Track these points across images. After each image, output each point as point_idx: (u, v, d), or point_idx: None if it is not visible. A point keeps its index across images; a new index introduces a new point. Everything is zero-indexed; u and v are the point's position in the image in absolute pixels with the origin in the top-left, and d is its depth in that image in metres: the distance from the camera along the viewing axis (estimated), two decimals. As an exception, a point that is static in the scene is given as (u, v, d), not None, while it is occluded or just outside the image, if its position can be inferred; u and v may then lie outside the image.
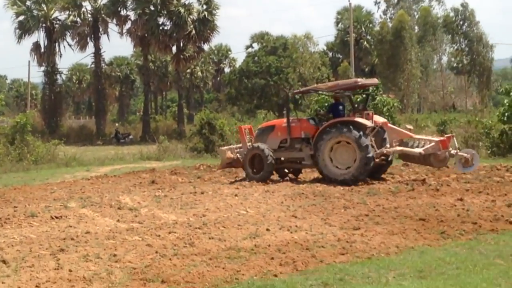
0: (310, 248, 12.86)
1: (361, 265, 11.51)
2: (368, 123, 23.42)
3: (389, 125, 25.04)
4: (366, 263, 11.68)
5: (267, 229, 14.68)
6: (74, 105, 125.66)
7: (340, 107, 24.69)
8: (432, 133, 28.57)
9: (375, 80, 27.94)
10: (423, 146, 23.38)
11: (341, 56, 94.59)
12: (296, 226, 15.10)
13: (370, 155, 22.70)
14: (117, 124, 73.62)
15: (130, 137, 63.84)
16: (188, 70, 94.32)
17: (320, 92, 28.24)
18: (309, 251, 12.61)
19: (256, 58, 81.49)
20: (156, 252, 12.61)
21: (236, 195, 20.21)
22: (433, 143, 23.33)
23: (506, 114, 32.41)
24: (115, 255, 12.31)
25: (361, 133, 22.77)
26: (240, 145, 26.07)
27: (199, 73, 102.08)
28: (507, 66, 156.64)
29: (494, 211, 16.42)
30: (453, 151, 23.19)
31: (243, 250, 12.68)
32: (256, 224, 15.38)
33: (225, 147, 27.21)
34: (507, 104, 32.76)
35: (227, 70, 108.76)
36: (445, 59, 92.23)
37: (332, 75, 78.16)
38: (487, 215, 15.93)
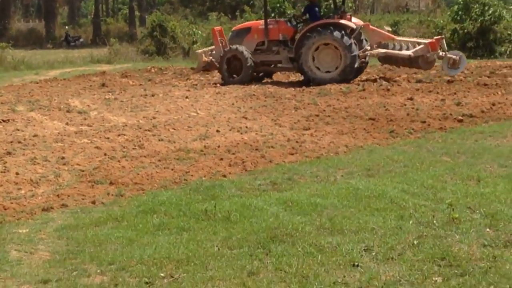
0: (259, 148, 12.87)
1: (310, 165, 11.55)
2: (351, 24, 23.25)
3: (371, 27, 24.84)
4: (315, 163, 11.73)
5: (217, 131, 14.65)
6: (23, 7, 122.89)
7: (316, 9, 24.40)
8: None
9: None
10: (408, 49, 23.32)
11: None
12: (246, 127, 15.08)
13: (354, 53, 22.58)
14: (67, 27, 72.09)
15: (81, 40, 62.69)
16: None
17: None
18: (259, 151, 12.62)
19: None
20: (105, 154, 12.52)
21: (186, 97, 20.09)
22: (422, 45, 23.20)
23: (460, 13, 32.41)
24: (63, 158, 12.20)
25: (343, 33, 22.57)
26: (213, 47, 25.33)
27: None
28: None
29: (443, 110, 16.55)
30: (441, 53, 23.13)
31: (192, 152, 12.65)
32: (206, 125, 15.33)
33: (200, 50, 26.39)
34: (461, 2, 32.73)
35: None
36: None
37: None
38: (436, 114, 16.06)
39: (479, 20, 31.63)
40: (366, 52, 23.27)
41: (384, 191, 9.47)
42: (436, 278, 6.51)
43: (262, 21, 24.58)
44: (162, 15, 43.11)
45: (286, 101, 18.71)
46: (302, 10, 26.00)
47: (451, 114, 15.90)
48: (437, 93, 19.44)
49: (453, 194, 9.23)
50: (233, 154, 12.45)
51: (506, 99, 17.86)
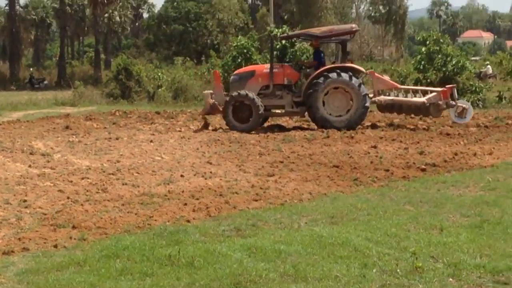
0: (224, 194, 12.85)
1: (274, 211, 11.54)
2: (360, 68, 23.85)
3: (376, 74, 25.14)
4: (279, 209, 11.72)
5: (182, 175, 14.61)
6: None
7: (322, 54, 24.70)
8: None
9: (357, 27, 27.43)
10: (419, 97, 23.88)
11: (260, 3, 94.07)
12: (210, 172, 15.07)
13: (365, 93, 23.02)
14: (31, 69, 71.93)
15: (45, 82, 62.50)
16: (106, 15, 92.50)
17: (309, 37, 25.72)
18: (223, 197, 12.59)
19: (175, 3, 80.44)
20: (68, 197, 12.42)
21: (151, 141, 20.07)
22: (435, 93, 23.71)
23: (422, 62, 32.83)
24: (25, 201, 12.07)
25: (351, 75, 22.92)
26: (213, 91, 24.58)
27: (117, 18, 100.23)
28: (424, 16, 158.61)
29: (406, 159, 16.68)
30: (452, 102, 23.54)
31: (156, 196, 12.60)
32: (170, 170, 15.29)
33: (207, 91, 25.17)
34: (424, 52, 33.17)
35: (145, 15, 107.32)
36: (363, 8, 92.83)
37: (251, 22, 77.78)
38: (399, 163, 16.18)
39: (442, 70, 32.08)
40: (374, 98, 23.55)
41: (347, 238, 9.48)
42: (400, 328, 6.51)
43: (266, 65, 24.66)
44: (128, 58, 43.18)
45: (250, 147, 18.76)
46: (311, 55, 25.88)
47: (414, 163, 16.03)
48: (401, 141, 19.62)
49: (416, 243, 9.27)
50: (197, 199, 12.40)
51: (468, 149, 18.07)
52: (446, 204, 11.86)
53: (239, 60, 34.23)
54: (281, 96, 23.62)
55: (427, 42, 34.03)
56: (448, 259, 8.53)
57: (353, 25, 26.00)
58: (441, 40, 33.73)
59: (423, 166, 15.58)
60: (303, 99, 23.19)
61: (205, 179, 14.36)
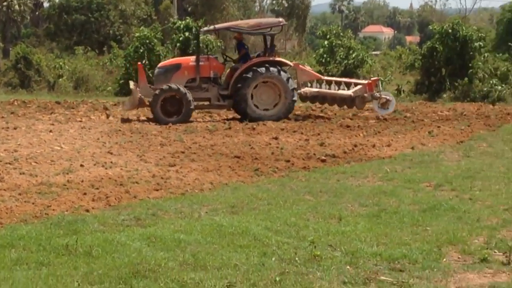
0: (124, 184, 12.73)
1: (175, 201, 11.51)
2: (287, 62, 23.97)
3: (300, 66, 25.16)
4: (179, 199, 11.69)
5: (81, 165, 14.40)
6: None
7: (246, 47, 24.64)
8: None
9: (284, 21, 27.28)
10: (343, 89, 24.22)
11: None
12: (111, 162, 14.90)
13: (295, 98, 23.28)
14: None
15: None
16: (5, 3, 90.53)
17: (237, 30, 25.21)
18: (123, 186, 12.48)
19: (77, -7, 79.21)
20: (-38, 187, 12.11)
21: (50, 131, 19.72)
22: (360, 86, 24.07)
23: (324, 56, 33.20)
24: None
25: (280, 69, 23.08)
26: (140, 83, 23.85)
27: (16, 7, 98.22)
28: (327, 11, 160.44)
29: (307, 150, 16.85)
30: (377, 94, 23.91)
31: (55, 186, 12.38)
32: (70, 160, 15.06)
33: (134, 85, 24.08)
34: (326, 46, 33.55)
35: (46, 4, 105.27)
36: (266, 1, 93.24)
37: (155, 14, 77.18)
38: (300, 154, 16.33)
39: (343, 63, 32.52)
40: (300, 90, 23.64)
41: (247, 228, 9.52)
42: (297, 314, 6.58)
43: (192, 58, 24.29)
44: (27, 47, 42.20)
45: (152, 138, 18.64)
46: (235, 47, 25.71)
47: (314, 154, 16.21)
48: (302, 133, 19.81)
49: (315, 232, 9.37)
50: (97, 189, 12.25)
51: (368, 140, 18.37)
52: (345, 194, 12.04)
53: (141, 51, 33.90)
54: (207, 89, 23.45)
55: (328, 36, 34.41)
56: (346, 247, 8.66)
57: (281, 19, 26.17)
58: (341, 34, 34.17)
59: (323, 157, 15.78)
60: (231, 92, 23.17)
61: (106, 169, 14.19)
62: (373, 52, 51.69)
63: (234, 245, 8.75)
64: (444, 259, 8.37)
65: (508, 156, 16.03)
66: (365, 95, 23.83)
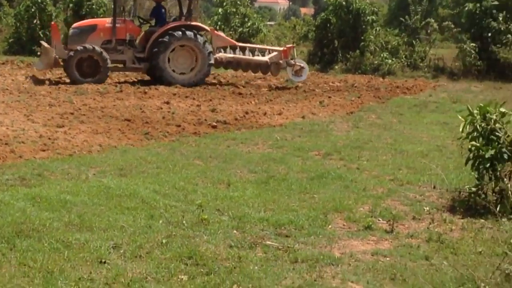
0: (9, 143, 12.42)
1: (62, 162, 11.32)
2: (204, 26, 23.81)
3: (216, 32, 24.83)
4: (67, 160, 11.51)
5: (-35, 123, 14.00)
6: None
7: (163, 10, 24.11)
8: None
9: None
10: (257, 55, 24.12)
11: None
12: (-4, 121, 14.52)
13: (212, 62, 23.05)
14: None
15: None
16: None
17: None
18: (9, 146, 12.19)
19: None
20: None
21: None
22: (276, 52, 24.05)
23: (219, 23, 33.07)
24: None
25: (196, 33, 22.83)
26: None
27: None
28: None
29: (198, 115, 16.82)
30: (291, 61, 23.91)
31: None
32: (-48, 117, 14.61)
33: (46, 45, 23.14)
34: (220, 13, 33.42)
35: None
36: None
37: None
38: (191, 119, 16.29)
39: (238, 31, 32.47)
40: (216, 55, 23.41)
41: (135, 191, 9.46)
42: (182, 276, 6.59)
43: (108, 19, 23.71)
44: None
45: (40, 98, 18.20)
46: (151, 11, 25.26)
47: (205, 120, 16.19)
48: (193, 98, 19.72)
49: (204, 196, 9.38)
50: (-19, 147, 11.94)
51: (259, 108, 18.44)
52: (234, 160, 12.08)
53: (32, 10, 32.96)
54: (123, 51, 23.00)
55: (224, 4, 34.29)
56: (234, 212, 8.72)
57: None
58: (238, 2, 34.10)
59: (214, 123, 15.79)
60: (147, 55, 22.88)
61: (-10, 127, 13.83)
62: (268, 23, 51.79)
63: (121, 207, 8.69)
64: (330, 226, 8.52)
65: (395, 128, 16.37)
66: (280, 61, 23.93)
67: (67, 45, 22.71)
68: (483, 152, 9.17)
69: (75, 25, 23.99)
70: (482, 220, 8.83)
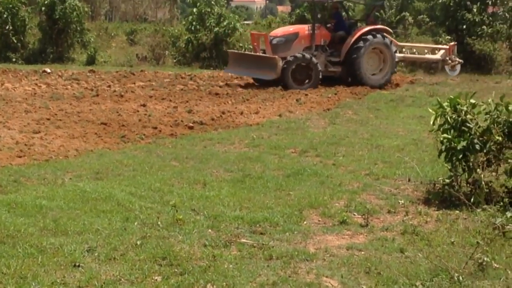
0: (-15, 150, 12.40)
1: (38, 167, 11.30)
2: (389, 30, 25.72)
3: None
4: (43, 166, 11.49)
5: None
6: None
7: (342, 14, 25.66)
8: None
9: None
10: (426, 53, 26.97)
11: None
12: (-28, 128, 14.47)
13: (397, 60, 24.94)
14: None
15: None
16: None
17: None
18: (-16, 153, 12.16)
19: None
20: None
21: None
22: (443, 51, 26.33)
23: (194, 23, 33.02)
24: None
25: (391, 40, 24.69)
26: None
27: None
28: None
29: (175, 117, 16.83)
30: (453, 57, 26.31)
31: None
32: None
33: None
34: (195, 13, 33.38)
35: None
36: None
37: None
38: (167, 121, 16.30)
39: (214, 31, 32.45)
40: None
41: (111, 193, 9.47)
42: (156, 277, 6.61)
43: (305, 26, 24.79)
44: None
45: (16, 104, 18.12)
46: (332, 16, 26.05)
47: (182, 121, 16.20)
48: (170, 100, 19.72)
49: (179, 197, 9.40)
50: (-44, 155, 11.90)
51: (236, 108, 18.48)
52: (211, 160, 12.11)
53: (5, 16, 32.78)
54: (317, 56, 23.84)
55: (198, 4, 34.25)
56: (209, 211, 8.75)
57: None
58: (212, 2, 34.05)
59: (191, 124, 15.82)
60: (342, 59, 23.92)
61: (-34, 135, 13.78)
62: (245, 22, 51.82)
63: (96, 210, 8.69)
64: (305, 222, 8.57)
65: (372, 123, 16.47)
66: (447, 58, 26.04)
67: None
68: (455, 144, 9.25)
69: (278, 33, 24.90)
70: (457, 211, 8.90)
